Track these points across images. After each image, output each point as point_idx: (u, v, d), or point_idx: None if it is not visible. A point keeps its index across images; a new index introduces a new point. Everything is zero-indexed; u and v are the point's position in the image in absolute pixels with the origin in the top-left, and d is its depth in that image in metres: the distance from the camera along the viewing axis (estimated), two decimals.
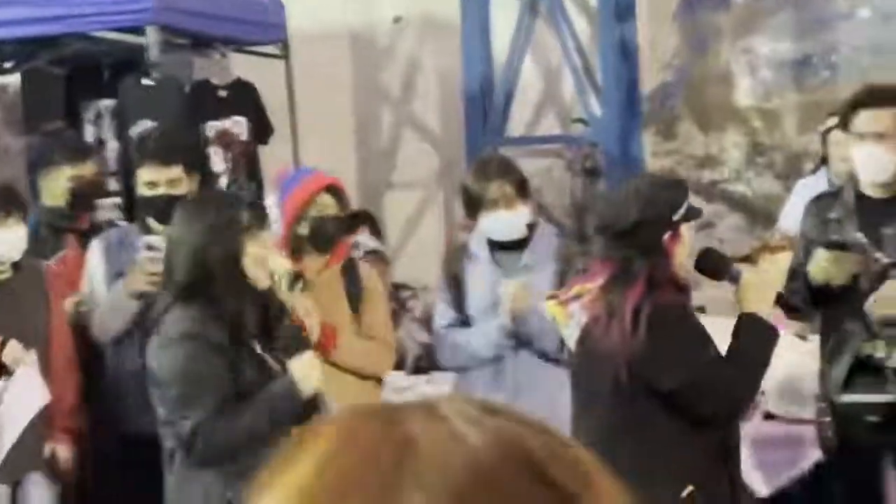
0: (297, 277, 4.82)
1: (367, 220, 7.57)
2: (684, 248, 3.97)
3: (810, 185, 5.86)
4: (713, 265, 4.15)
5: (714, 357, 3.89)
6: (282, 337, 4.28)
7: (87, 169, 6.08)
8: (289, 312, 4.43)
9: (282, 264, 4.98)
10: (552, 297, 3.94)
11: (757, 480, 5.53)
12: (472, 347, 5.00)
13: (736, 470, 4.06)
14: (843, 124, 4.89)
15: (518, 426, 0.88)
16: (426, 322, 6.69)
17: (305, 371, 4.11)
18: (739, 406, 4.08)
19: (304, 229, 4.96)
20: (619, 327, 3.74)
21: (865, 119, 4.71)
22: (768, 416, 5.50)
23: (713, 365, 3.87)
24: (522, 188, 4.98)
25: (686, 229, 3.98)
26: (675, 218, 3.91)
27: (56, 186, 5.94)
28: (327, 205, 4.99)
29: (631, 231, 3.83)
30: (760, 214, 8.09)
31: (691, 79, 8.37)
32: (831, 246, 4.73)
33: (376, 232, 7.60)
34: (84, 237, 5.78)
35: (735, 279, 4.08)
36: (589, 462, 0.89)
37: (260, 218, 4.25)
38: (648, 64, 8.23)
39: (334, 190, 5.05)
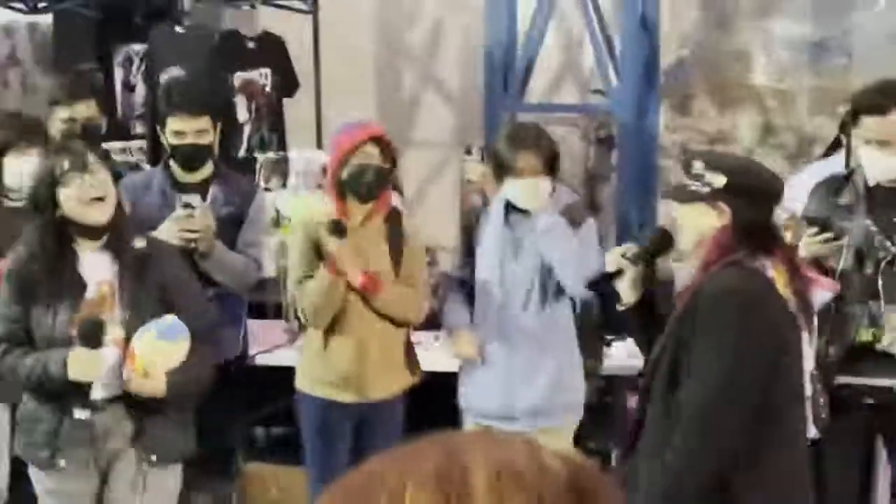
0: (337, 224, 4.87)
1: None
2: None
3: (821, 169, 5.86)
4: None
5: None
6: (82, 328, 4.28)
7: (84, 111, 5.94)
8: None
9: (324, 211, 5.04)
10: None
11: None
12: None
13: None
14: (843, 129, 4.90)
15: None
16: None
17: (80, 366, 4.21)
18: None
19: (345, 176, 4.98)
20: None
21: (868, 126, 4.67)
22: None
23: None
24: (552, 162, 4.92)
25: None
26: None
27: (52, 126, 5.86)
28: (371, 154, 4.95)
29: None
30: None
31: (708, 55, 8.36)
32: (811, 222, 4.76)
33: (397, 190, 7.62)
34: None
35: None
36: None
37: (79, 163, 4.29)
38: (667, 39, 8.22)
39: (379, 141, 5.03)
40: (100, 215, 4.28)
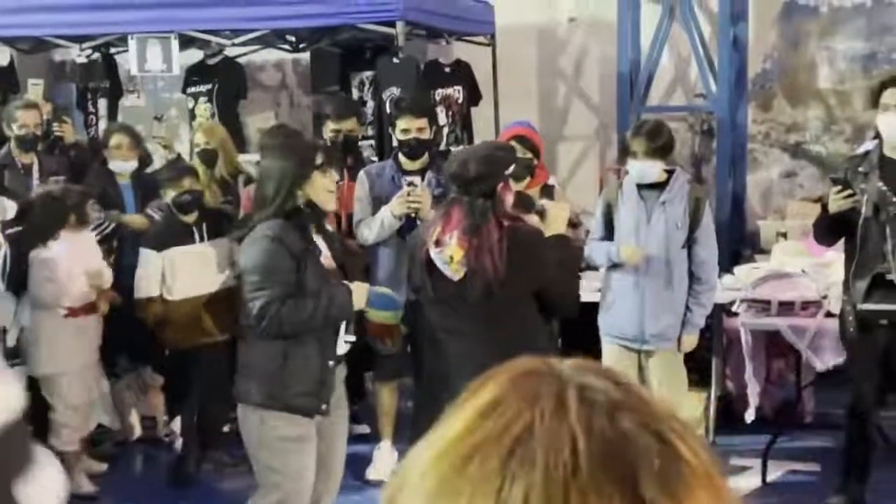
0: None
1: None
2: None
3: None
4: (525, 203, 4.00)
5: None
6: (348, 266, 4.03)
7: (347, 125, 5.96)
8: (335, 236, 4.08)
9: None
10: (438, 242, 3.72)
11: (815, 359, 5.44)
12: (592, 256, 5.01)
13: None
14: (874, 100, 4.67)
15: (633, 427, 0.65)
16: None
17: (359, 295, 3.85)
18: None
19: None
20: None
21: (888, 95, 4.51)
22: (828, 315, 5.37)
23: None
24: (657, 146, 4.78)
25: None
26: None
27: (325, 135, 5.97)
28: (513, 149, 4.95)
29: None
30: (831, 168, 7.84)
31: (785, 67, 8.11)
32: (835, 182, 4.60)
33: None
34: (350, 170, 5.84)
35: (541, 213, 3.95)
36: (693, 468, 0.65)
37: (329, 158, 3.93)
38: (754, 55, 8.01)
39: (520, 138, 5.02)
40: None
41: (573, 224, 4.20)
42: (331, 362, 3.85)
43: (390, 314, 3.98)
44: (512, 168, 3.84)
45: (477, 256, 3.65)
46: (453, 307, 3.75)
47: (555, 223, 3.91)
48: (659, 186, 4.84)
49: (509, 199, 3.78)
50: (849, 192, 4.51)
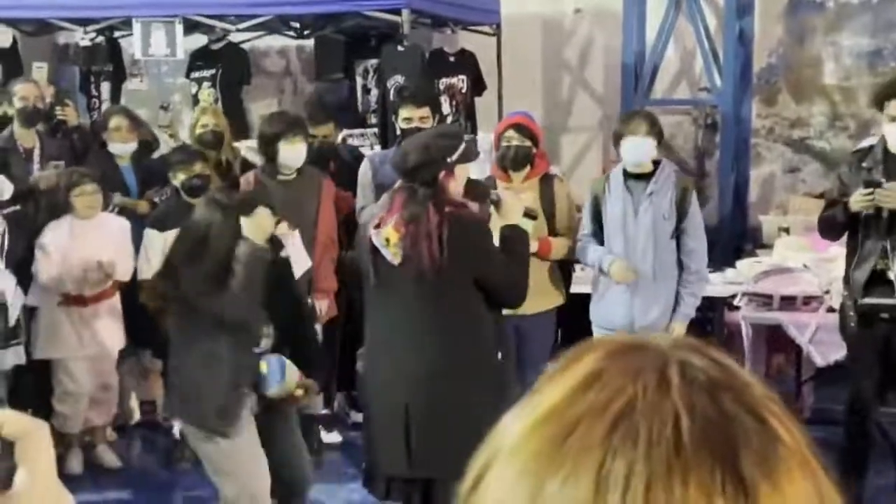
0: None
1: None
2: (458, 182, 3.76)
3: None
4: (477, 192, 3.92)
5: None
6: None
7: (323, 130, 5.89)
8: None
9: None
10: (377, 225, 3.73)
11: (816, 354, 5.43)
12: (583, 256, 4.98)
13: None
14: (879, 107, 4.64)
15: (733, 406, 0.65)
16: None
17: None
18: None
19: (497, 155, 4.98)
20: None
21: (892, 106, 4.46)
22: (830, 310, 5.36)
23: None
24: (650, 125, 4.77)
25: (460, 169, 3.76)
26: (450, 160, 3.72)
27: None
28: (511, 137, 4.93)
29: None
30: (835, 164, 7.83)
31: (790, 62, 8.09)
32: (868, 184, 4.56)
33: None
34: (334, 176, 5.73)
35: (495, 202, 3.89)
36: (789, 448, 0.65)
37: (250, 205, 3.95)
38: (759, 49, 7.99)
39: (518, 127, 4.99)
40: None
41: (530, 215, 4.07)
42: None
43: (293, 382, 3.93)
44: (457, 155, 3.76)
45: (413, 243, 3.63)
46: (395, 291, 3.74)
47: (509, 213, 3.87)
48: (645, 178, 4.81)
49: (454, 187, 3.74)
50: (886, 191, 4.47)
